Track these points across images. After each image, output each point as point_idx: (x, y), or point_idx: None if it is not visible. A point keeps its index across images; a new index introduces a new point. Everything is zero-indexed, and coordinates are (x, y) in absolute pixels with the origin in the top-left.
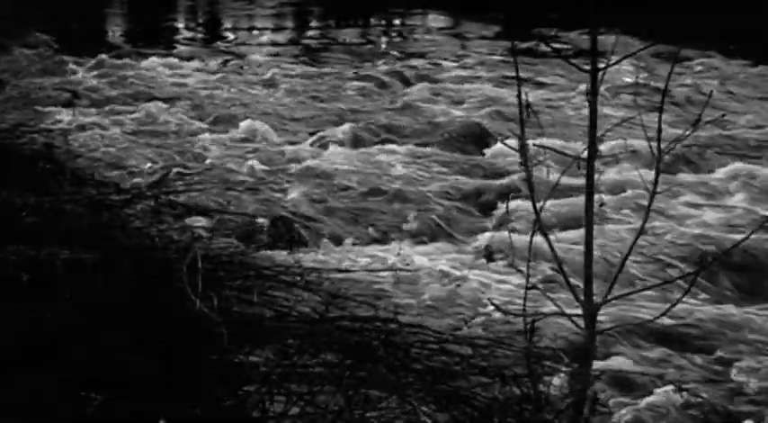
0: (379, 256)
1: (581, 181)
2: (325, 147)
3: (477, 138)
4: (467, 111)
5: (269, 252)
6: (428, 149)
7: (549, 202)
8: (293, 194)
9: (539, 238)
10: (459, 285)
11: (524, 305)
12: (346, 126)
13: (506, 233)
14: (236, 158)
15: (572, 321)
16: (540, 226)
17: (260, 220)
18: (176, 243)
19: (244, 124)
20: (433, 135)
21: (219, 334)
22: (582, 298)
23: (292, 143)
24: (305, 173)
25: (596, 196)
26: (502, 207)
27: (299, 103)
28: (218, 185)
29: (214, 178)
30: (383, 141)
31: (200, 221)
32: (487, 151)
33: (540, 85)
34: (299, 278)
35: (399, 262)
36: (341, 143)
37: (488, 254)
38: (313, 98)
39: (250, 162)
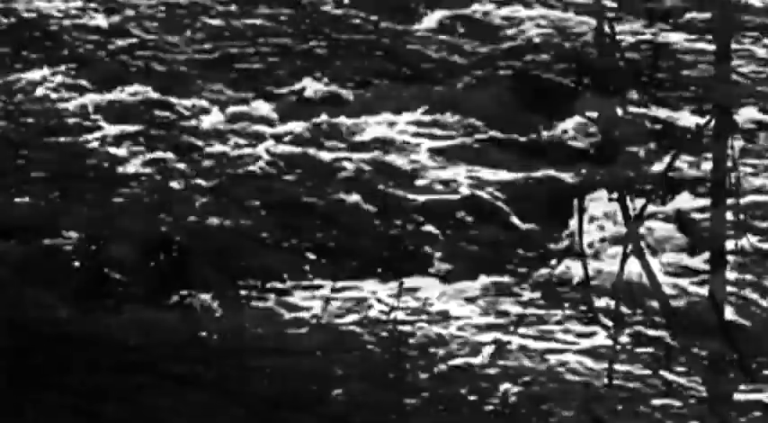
0: (352, 308)
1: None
2: (268, 115)
3: (531, 100)
4: (514, 56)
5: (143, 313)
6: (448, 120)
7: (650, 211)
8: (204, 198)
9: (633, 268)
10: (494, 352)
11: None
12: (306, 83)
13: (577, 261)
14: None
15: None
16: (637, 249)
17: (121, 246)
18: None
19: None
20: (456, 97)
21: None
22: (705, 375)
23: (207, 111)
24: (231, 163)
25: (730, 196)
26: (572, 218)
27: (222, 41)
28: (47, 182)
29: (41, 169)
30: (374, 109)
31: (7, 248)
32: (549, 124)
33: (642, 11)
34: (201, 367)
35: (394, 315)
36: (297, 109)
37: (548, 295)
38: (245, 31)
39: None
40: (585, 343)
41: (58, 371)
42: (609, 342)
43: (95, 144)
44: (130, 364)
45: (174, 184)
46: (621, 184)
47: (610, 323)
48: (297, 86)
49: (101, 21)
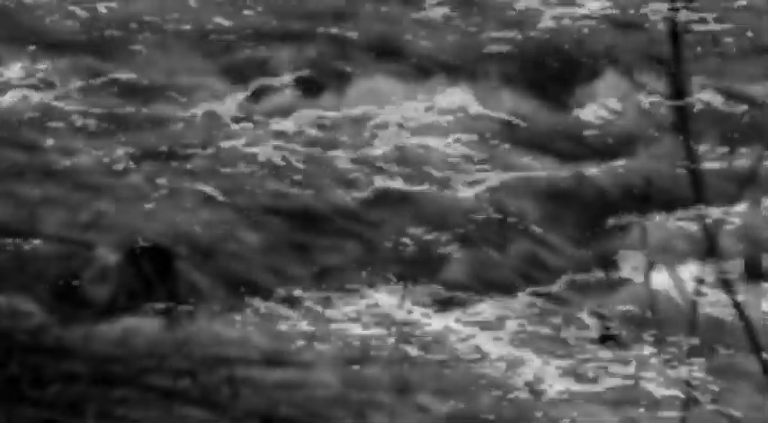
0: (354, 320)
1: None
2: (268, 111)
3: (551, 93)
4: (531, 45)
5: (126, 321)
6: (465, 118)
7: (678, 213)
8: (195, 200)
9: (660, 278)
10: (507, 371)
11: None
12: (310, 76)
13: (602, 272)
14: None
15: None
16: (664, 257)
17: (100, 250)
18: None
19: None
20: (471, 92)
21: None
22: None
23: (201, 106)
24: (227, 162)
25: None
26: (596, 224)
27: (218, 31)
28: (25, 182)
29: (18, 168)
30: (380, 105)
31: None
32: (572, 118)
33: None
34: (188, 377)
35: (400, 328)
36: (299, 105)
37: (570, 309)
38: (242, 21)
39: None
40: (609, 361)
41: (33, 383)
42: (634, 361)
43: (78, 141)
44: (111, 376)
45: (164, 185)
46: (647, 183)
47: (634, 340)
48: (299, 81)
49: (82, 11)
